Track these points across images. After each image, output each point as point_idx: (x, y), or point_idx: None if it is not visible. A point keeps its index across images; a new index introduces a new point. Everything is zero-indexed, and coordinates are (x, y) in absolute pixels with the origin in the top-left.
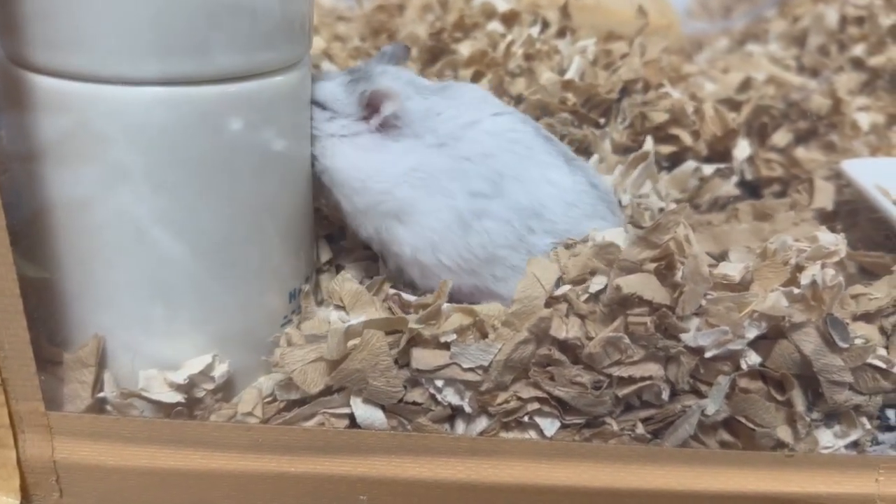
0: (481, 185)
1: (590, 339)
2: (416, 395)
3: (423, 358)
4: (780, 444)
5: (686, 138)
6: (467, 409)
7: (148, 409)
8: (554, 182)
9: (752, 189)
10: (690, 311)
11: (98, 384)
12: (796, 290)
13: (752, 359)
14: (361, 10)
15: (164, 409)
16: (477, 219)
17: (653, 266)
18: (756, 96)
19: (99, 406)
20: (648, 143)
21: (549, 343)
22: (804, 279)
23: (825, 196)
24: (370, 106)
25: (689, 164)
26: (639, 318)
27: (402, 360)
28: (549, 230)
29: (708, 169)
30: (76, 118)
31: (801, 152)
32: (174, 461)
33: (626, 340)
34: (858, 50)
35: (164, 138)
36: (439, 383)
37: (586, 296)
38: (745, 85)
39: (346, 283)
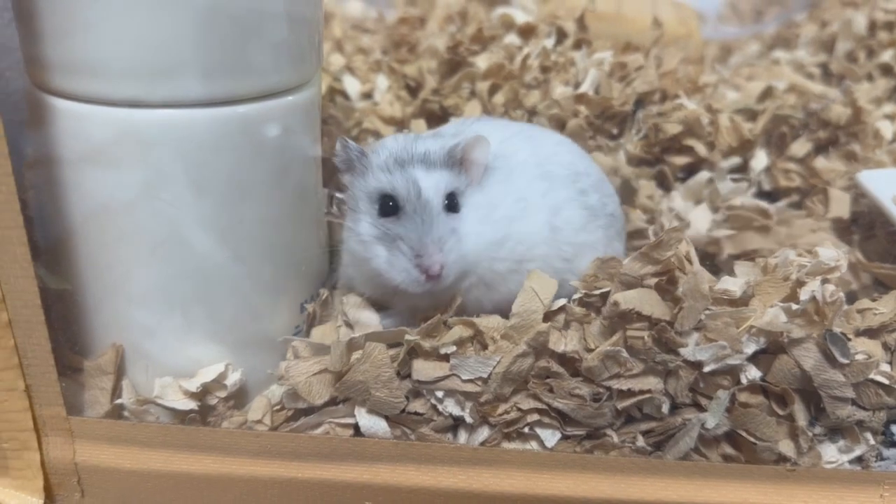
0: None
1: (589, 351)
2: (417, 405)
3: (423, 369)
4: (783, 459)
5: (701, 149)
6: (468, 419)
7: (163, 415)
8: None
9: (771, 199)
10: (689, 327)
11: (116, 391)
12: (795, 306)
13: (752, 373)
14: (384, 22)
15: (179, 415)
16: (558, 214)
17: (654, 281)
18: (773, 106)
19: (117, 412)
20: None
21: (548, 356)
22: (804, 294)
23: (841, 206)
24: (463, 162)
25: (703, 175)
26: (637, 332)
27: (404, 372)
28: (594, 186)
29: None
30: (98, 140)
31: (820, 162)
32: (188, 465)
33: (625, 354)
34: (887, 56)
35: (184, 158)
36: (440, 394)
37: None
38: (766, 94)
39: (351, 296)
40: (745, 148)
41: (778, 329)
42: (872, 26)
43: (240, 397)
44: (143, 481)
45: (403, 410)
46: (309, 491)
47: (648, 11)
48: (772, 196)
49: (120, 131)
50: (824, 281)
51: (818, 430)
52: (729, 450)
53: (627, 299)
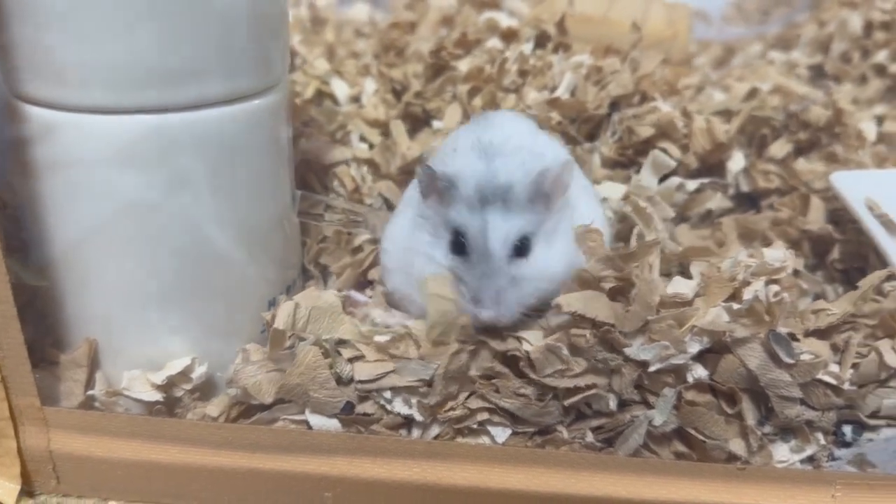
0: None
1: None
2: (367, 406)
3: (364, 369)
4: (734, 457)
5: (674, 151)
6: (418, 417)
7: (134, 407)
8: None
9: (752, 201)
10: (632, 329)
11: (90, 383)
12: (736, 306)
13: (699, 372)
14: (375, 28)
15: (147, 406)
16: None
17: (610, 285)
18: (748, 107)
19: (90, 403)
20: None
21: (492, 356)
22: (747, 294)
23: (818, 212)
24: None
25: (674, 180)
26: (580, 331)
27: (347, 375)
28: None
29: (692, 184)
30: (67, 145)
31: (801, 163)
32: (155, 455)
33: (566, 352)
34: (881, 56)
35: (153, 161)
36: (387, 395)
37: None
38: (751, 95)
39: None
40: (719, 150)
41: (720, 329)
42: (869, 26)
43: (208, 389)
44: (113, 469)
45: (353, 411)
46: (270, 482)
47: (639, 12)
48: (751, 198)
49: (88, 136)
50: (770, 282)
51: (768, 429)
52: (681, 447)
53: (570, 303)
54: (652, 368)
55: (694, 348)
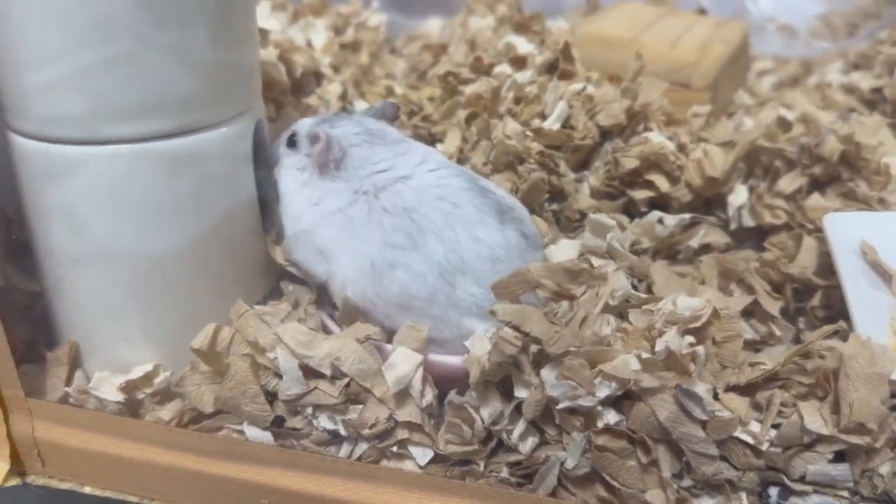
0: (397, 238)
1: None
2: (296, 421)
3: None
4: None
5: (663, 184)
6: (343, 432)
7: (108, 405)
8: (480, 239)
9: (757, 237)
10: (557, 352)
11: (70, 380)
12: (645, 355)
13: (610, 417)
14: (408, 48)
15: (115, 405)
16: (390, 269)
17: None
18: (746, 140)
19: (67, 398)
20: None
21: None
22: (659, 345)
23: (809, 255)
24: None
25: (654, 214)
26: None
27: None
28: (477, 282)
29: (672, 219)
30: (46, 173)
31: (815, 199)
32: (118, 449)
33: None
34: None
35: (122, 187)
36: (309, 410)
37: None
38: (780, 124)
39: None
40: (713, 184)
41: (626, 376)
42: None
43: (171, 394)
44: (86, 459)
45: (283, 425)
46: (214, 484)
47: (679, 33)
48: (762, 234)
49: (59, 164)
50: (686, 332)
51: (688, 482)
52: (603, 492)
53: (505, 312)
54: (560, 406)
55: (602, 392)
